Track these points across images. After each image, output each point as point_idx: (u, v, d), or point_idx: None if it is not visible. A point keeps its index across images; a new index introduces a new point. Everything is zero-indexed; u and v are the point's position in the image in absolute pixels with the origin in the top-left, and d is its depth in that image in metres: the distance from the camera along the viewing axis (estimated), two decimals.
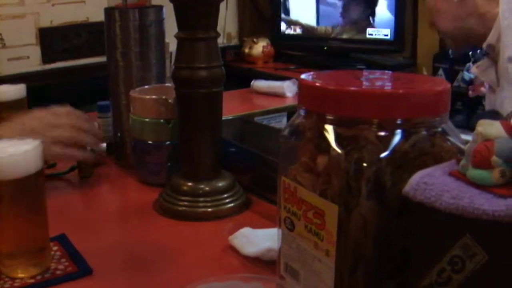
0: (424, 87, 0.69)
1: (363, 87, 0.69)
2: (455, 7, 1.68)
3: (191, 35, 1.11)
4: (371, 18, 3.10)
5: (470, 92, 2.05)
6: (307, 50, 3.37)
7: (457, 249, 0.55)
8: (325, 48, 3.24)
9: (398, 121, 0.65)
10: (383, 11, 3.05)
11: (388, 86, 0.72)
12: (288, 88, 2.32)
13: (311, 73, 0.75)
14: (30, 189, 0.92)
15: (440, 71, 2.95)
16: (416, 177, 0.59)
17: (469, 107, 2.48)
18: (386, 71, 0.79)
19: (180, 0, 1.10)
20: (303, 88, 0.73)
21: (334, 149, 0.65)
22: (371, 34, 3.10)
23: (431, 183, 0.58)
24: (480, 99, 2.17)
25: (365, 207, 0.64)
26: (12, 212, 0.92)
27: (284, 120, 2.06)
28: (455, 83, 2.75)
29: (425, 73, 3.10)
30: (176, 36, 1.13)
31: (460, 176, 0.58)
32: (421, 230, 0.60)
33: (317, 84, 0.69)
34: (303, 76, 0.74)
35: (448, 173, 0.59)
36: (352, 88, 0.66)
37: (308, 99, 0.72)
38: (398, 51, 3.15)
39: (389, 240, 0.65)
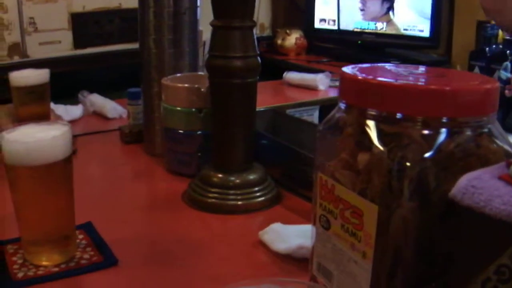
0: (472, 84, 0.65)
1: (408, 82, 0.65)
2: None
3: (226, 23, 1.08)
4: (390, 13, 3.05)
5: (506, 92, 2.00)
6: (340, 43, 3.32)
7: (506, 258, 0.52)
8: (359, 42, 3.19)
9: (444, 120, 0.61)
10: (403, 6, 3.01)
11: (434, 83, 0.68)
12: (321, 81, 2.29)
13: (353, 65, 0.72)
14: (57, 175, 0.90)
15: (476, 69, 2.89)
16: (464, 180, 0.56)
17: (505, 108, 2.43)
18: (432, 67, 0.75)
19: None
20: (345, 81, 0.70)
21: (376, 147, 0.62)
22: (406, 29, 3.05)
23: (480, 187, 0.54)
24: None
25: (407, 208, 0.61)
26: (38, 198, 0.90)
27: (316, 113, 2.03)
28: None
29: (459, 70, 3.05)
30: (212, 24, 1.10)
31: (511, 180, 0.54)
32: (467, 236, 0.56)
33: (360, 77, 0.66)
34: (344, 68, 0.70)
35: (498, 177, 0.56)
36: (397, 83, 0.63)
37: (349, 93, 0.69)
38: (433, 47, 3.10)
39: (430, 245, 0.62)
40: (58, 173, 0.90)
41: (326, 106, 2.06)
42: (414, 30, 3.02)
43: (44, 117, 1.48)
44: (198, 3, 1.41)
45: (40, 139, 0.88)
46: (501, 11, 1.59)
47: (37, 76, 1.50)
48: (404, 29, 3.05)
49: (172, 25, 1.37)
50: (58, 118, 1.61)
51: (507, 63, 2.11)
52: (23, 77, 1.49)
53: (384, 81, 0.64)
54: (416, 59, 3.08)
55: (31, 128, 0.92)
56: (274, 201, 1.16)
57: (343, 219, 0.68)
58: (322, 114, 2.05)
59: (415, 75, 0.70)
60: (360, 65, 0.73)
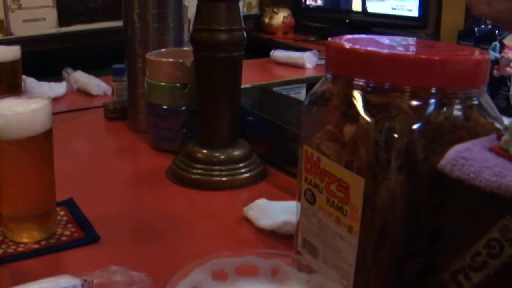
0: (462, 55, 0.64)
1: (396, 51, 0.63)
2: None
3: None
4: None
5: (495, 72, 1.99)
6: (329, 22, 3.30)
7: (496, 231, 0.50)
8: (347, 20, 3.17)
9: (433, 90, 0.60)
10: None
11: (423, 52, 0.66)
12: (308, 59, 2.27)
13: (340, 36, 0.70)
14: (37, 149, 0.88)
15: None
16: (454, 151, 0.54)
17: (492, 87, 2.42)
18: (421, 39, 0.73)
19: None
20: (331, 51, 0.68)
21: (363, 118, 0.60)
22: (395, 9, 3.03)
23: (471, 158, 0.52)
24: (505, 79, 2.11)
25: (394, 181, 0.59)
26: (17, 173, 0.88)
27: (303, 91, 2.02)
28: None
29: None
30: None
31: (502, 152, 0.53)
32: (456, 209, 0.55)
33: (347, 46, 0.64)
34: (331, 38, 0.69)
35: (489, 148, 0.54)
36: (385, 52, 0.61)
37: (335, 63, 0.67)
38: (421, 27, 3.08)
39: (418, 218, 0.60)
40: (38, 146, 0.88)
41: (313, 84, 2.04)
42: (402, 9, 3.00)
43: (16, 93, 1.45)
44: None
45: (20, 112, 0.85)
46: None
47: (8, 53, 1.47)
48: (393, 8, 3.03)
49: None
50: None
51: (496, 43, 2.09)
52: None
53: (372, 50, 0.62)
54: None
55: (11, 101, 0.90)
56: (259, 177, 1.14)
57: (329, 193, 0.66)
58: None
59: (404, 45, 0.68)
60: (347, 36, 0.71)
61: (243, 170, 1.12)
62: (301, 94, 2.00)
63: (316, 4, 3.27)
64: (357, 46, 0.63)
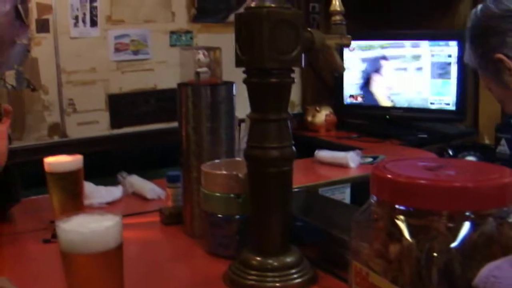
0: (492, 179, 0.72)
1: (433, 180, 0.71)
2: None
3: (263, 116, 1.16)
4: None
5: None
6: (369, 118, 3.40)
7: None
8: (387, 116, 3.27)
9: (467, 213, 0.68)
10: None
11: (456, 179, 0.74)
12: (352, 159, 2.34)
13: (383, 163, 0.79)
14: (110, 262, 0.97)
15: (503, 141, 2.94)
16: (486, 270, 0.62)
17: None
18: (456, 159, 0.81)
19: (253, 82, 1.16)
20: (375, 178, 0.76)
21: (406, 239, 0.69)
22: (433, 103, 3.12)
23: (500, 277, 0.60)
24: None
25: None
26: (91, 283, 0.96)
27: (348, 191, 2.08)
28: None
29: (487, 141, 3.10)
30: (249, 117, 1.18)
31: None
32: None
33: (389, 176, 0.73)
34: (375, 166, 0.77)
35: None
36: (423, 182, 0.70)
37: (380, 189, 0.75)
38: (460, 120, 3.16)
39: None
40: (110, 260, 0.97)
41: (357, 184, 2.12)
42: (440, 103, 3.09)
43: (78, 202, 1.55)
44: (234, 93, 1.49)
45: (94, 229, 0.95)
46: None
47: (71, 163, 1.57)
48: (431, 103, 3.11)
49: (209, 114, 1.46)
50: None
51: None
52: (57, 164, 1.56)
53: (411, 181, 0.70)
54: (444, 131, 3.14)
55: (85, 218, 1.00)
56: (311, 281, 1.21)
57: None
58: (354, 191, 2.11)
59: (439, 170, 0.77)
60: (390, 162, 0.80)
61: (295, 276, 1.19)
62: (345, 193, 2.07)
63: (357, 102, 3.37)
64: (398, 175, 0.72)
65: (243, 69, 1.18)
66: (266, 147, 1.15)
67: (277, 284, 1.17)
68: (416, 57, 3.15)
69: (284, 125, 1.17)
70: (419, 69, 3.14)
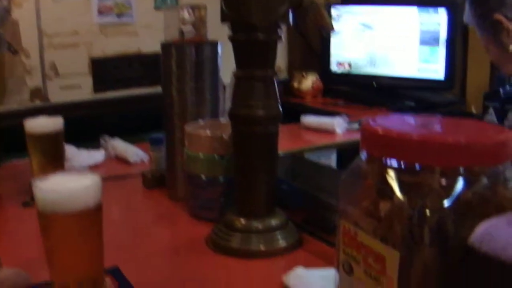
0: (487, 136, 0.69)
1: (426, 134, 0.68)
2: None
3: (248, 74, 1.13)
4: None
5: None
6: (356, 86, 3.36)
7: None
8: (374, 84, 3.24)
9: (461, 170, 0.65)
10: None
11: (450, 134, 0.71)
12: (338, 125, 2.32)
13: (374, 117, 0.75)
14: (88, 222, 0.94)
15: (490, 110, 2.91)
16: (482, 228, 0.59)
17: None
18: (448, 117, 0.78)
19: (239, 39, 1.12)
20: (365, 133, 0.73)
21: (397, 196, 0.66)
22: (421, 72, 3.09)
23: (497, 235, 0.57)
24: None
25: (427, 254, 0.64)
26: (69, 244, 0.93)
27: (334, 156, 2.07)
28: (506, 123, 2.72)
29: (474, 111, 3.08)
30: (234, 74, 1.14)
31: None
32: (485, 281, 0.59)
33: (380, 130, 0.69)
34: (365, 120, 0.74)
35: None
36: (415, 136, 0.66)
37: (370, 145, 0.72)
38: (448, 89, 3.14)
39: None
40: (89, 220, 0.93)
41: (343, 150, 2.09)
42: (428, 71, 3.06)
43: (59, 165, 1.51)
44: (219, 52, 1.45)
45: (72, 188, 0.92)
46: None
47: (51, 124, 1.53)
48: (419, 71, 3.08)
49: (194, 73, 1.42)
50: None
51: None
52: (36, 124, 1.52)
53: (404, 135, 0.67)
54: (431, 100, 3.12)
55: (62, 178, 0.96)
56: (296, 245, 1.18)
57: (366, 265, 0.70)
58: (340, 157, 2.09)
59: (432, 126, 0.74)
60: (380, 117, 0.76)
61: (280, 238, 1.16)
62: (331, 159, 2.05)
63: (344, 69, 3.34)
64: (390, 130, 0.69)
65: (229, 30, 1.14)
66: (251, 106, 1.12)
67: (261, 247, 1.15)
68: (404, 24, 3.11)
69: (270, 84, 1.14)
70: (407, 36, 3.10)
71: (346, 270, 0.75)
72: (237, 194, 1.20)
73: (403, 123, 0.75)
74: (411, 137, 0.66)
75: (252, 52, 1.12)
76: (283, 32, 1.13)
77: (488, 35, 1.62)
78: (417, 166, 0.66)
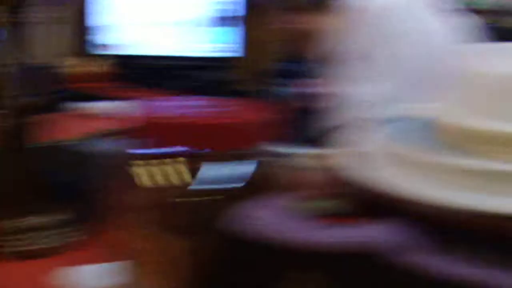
0: (236, 117, 0.67)
1: (173, 116, 0.66)
2: None
3: None
4: None
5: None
6: (137, 67, 3.29)
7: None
8: (149, 65, 3.21)
9: (206, 152, 0.63)
10: None
11: (198, 116, 0.69)
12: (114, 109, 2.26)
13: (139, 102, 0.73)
14: None
15: (272, 88, 2.97)
16: (239, 211, 0.58)
17: (304, 119, 2.49)
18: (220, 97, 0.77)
19: None
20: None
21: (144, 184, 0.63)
22: (201, 51, 3.09)
23: (254, 217, 0.56)
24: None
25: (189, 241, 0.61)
26: None
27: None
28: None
29: (252, 88, 3.13)
30: None
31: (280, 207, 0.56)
32: (245, 265, 0.58)
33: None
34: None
35: (273, 205, 0.58)
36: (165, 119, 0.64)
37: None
38: (229, 67, 3.16)
39: (218, 276, 0.62)
40: None
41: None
42: (209, 51, 3.06)
43: None
44: None
45: None
46: None
47: None
48: (199, 51, 3.08)
49: None
50: None
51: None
52: None
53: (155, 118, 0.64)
54: (212, 79, 3.14)
55: None
56: (65, 244, 1.09)
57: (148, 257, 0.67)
58: None
59: (187, 107, 0.72)
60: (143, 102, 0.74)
61: (42, 238, 1.08)
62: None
63: (118, 52, 3.29)
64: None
65: None
66: None
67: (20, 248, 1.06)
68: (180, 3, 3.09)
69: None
70: (183, 15, 3.09)
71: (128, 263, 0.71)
72: None
73: (166, 107, 0.73)
74: (161, 120, 0.64)
75: None
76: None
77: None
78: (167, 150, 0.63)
